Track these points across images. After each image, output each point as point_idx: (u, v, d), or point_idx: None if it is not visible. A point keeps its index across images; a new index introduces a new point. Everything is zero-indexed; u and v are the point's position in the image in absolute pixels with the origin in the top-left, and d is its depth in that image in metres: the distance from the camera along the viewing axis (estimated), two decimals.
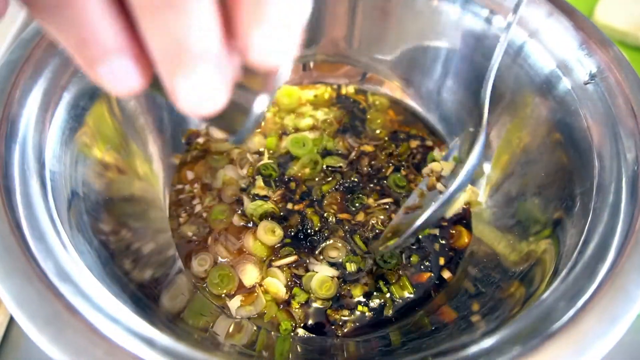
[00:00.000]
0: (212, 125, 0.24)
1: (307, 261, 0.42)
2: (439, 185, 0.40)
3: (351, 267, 0.42)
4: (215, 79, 0.15)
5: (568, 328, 0.24)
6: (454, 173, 0.39)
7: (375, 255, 0.42)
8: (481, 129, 0.37)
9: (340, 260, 0.42)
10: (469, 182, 0.38)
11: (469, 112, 0.46)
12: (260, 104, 0.19)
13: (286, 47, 0.15)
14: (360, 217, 0.45)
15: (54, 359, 0.38)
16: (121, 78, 0.15)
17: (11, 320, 0.42)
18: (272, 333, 0.39)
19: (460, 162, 0.39)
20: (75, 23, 0.14)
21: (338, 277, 0.41)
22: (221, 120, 0.21)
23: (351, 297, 0.41)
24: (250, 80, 0.19)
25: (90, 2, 0.14)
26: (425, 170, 0.42)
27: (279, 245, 0.43)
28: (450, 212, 0.40)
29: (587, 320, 0.24)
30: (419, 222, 0.37)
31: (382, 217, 0.45)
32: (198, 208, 0.45)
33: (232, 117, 0.20)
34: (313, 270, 0.42)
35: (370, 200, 0.46)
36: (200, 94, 0.15)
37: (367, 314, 0.40)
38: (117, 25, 0.15)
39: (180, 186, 0.47)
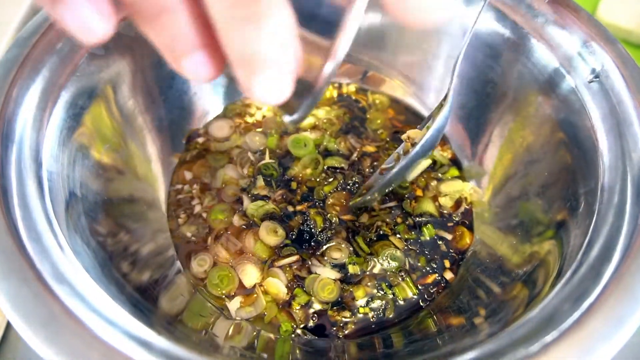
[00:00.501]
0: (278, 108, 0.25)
1: (310, 263, 0.42)
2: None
3: (354, 269, 0.42)
4: (285, 79, 0.18)
5: (573, 331, 0.23)
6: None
7: (351, 208, 0.45)
8: (447, 99, 0.38)
9: (343, 261, 0.42)
10: (431, 149, 0.40)
11: (470, 111, 0.46)
12: (322, 80, 0.20)
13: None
14: (364, 218, 0.44)
15: None
16: (200, 69, 0.19)
17: (9, 323, 0.42)
18: (273, 336, 0.38)
19: None
20: (168, 27, 0.18)
21: (341, 280, 0.41)
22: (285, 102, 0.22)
23: (353, 298, 0.40)
24: (311, 58, 0.20)
25: (181, 12, 0.17)
26: (403, 137, 0.43)
27: (280, 245, 0.43)
28: (411, 177, 0.42)
29: (592, 323, 0.23)
30: (383, 181, 0.41)
31: (387, 220, 0.44)
32: (197, 208, 0.45)
33: (292, 98, 0.21)
34: (315, 273, 0.41)
35: (374, 203, 0.45)
36: (271, 90, 0.18)
37: (368, 315, 0.40)
38: (200, 28, 0.18)
39: (179, 186, 0.46)
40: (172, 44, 0.18)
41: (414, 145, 0.41)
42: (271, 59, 0.17)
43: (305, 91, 0.21)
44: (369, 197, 0.42)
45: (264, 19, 0.16)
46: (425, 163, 0.42)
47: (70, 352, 0.22)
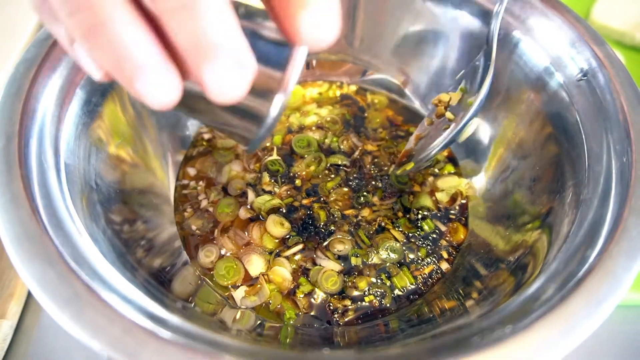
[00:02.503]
0: (229, 136, 0.26)
1: (315, 255, 0.43)
2: (448, 114, 0.42)
3: (356, 261, 0.43)
4: (235, 67, 0.17)
5: (557, 309, 0.25)
6: (461, 102, 0.42)
7: (392, 179, 0.48)
8: (491, 62, 0.40)
9: (346, 253, 0.44)
10: (480, 110, 0.40)
11: None
12: (275, 107, 0.21)
13: (331, 25, 0.18)
14: (365, 212, 0.46)
15: (67, 345, 0.39)
16: (156, 91, 0.18)
17: (24, 310, 0.44)
18: (277, 324, 0.40)
19: (466, 92, 0.43)
20: (109, 45, 0.17)
21: (344, 273, 0.43)
22: (236, 129, 0.23)
23: (356, 288, 0.42)
24: (264, 82, 0.21)
25: (120, 23, 0.17)
26: (433, 101, 0.45)
27: (286, 237, 0.44)
28: (464, 137, 0.42)
29: (575, 302, 0.25)
30: (437, 147, 0.41)
31: (388, 214, 0.46)
32: (204, 203, 0.47)
33: (247, 125, 0.22)
34: (320, 265, 0.43)
35: (375, 199, 0.47)
36: (223, 80, 0.17)
37: (368, 303, 0.42)
38: (146, 41, 0.17)
39: (185, 181, 0.48)
40: (118, 65, 0.17)
41: (446, 108, 0.43)
42: (217, 43, 0.17)
43: (259, 122, 0.22)
44: (417, 165, 0.42)
45: (198, 4, 0.16)
46: (476, 123, 0.43)
47: (93, 327, 0.23)
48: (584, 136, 0.34)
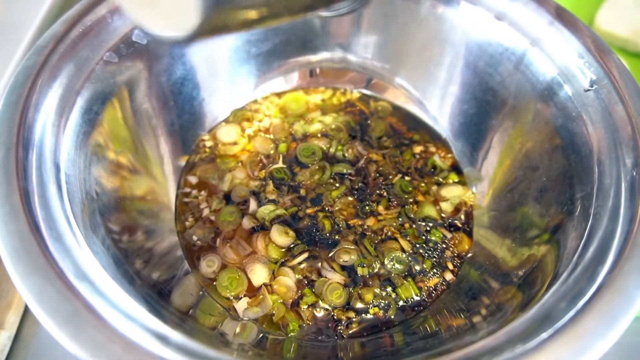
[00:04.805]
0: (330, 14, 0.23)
1: (320, 265, 0.43)
2: None
3: (363, 271, 0.43)
4: None
5: (568, 328, 0.24)
6: None
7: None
8: None
9: (352, 263, 0.43)
10: None
11: (471, 118, 0.47)
12: None
13: None
14: (370, 222, 0.46)
15: (66, 356, 0.38)
16: None
17: (22, 320, 0.43)
18: (280, 337, 0.39)
19: None
20: None
21: (348, 285, 0.42)
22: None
23: (362, 299, 0.41)
24: None
25: None
26: None
27: (291, 246, 0.44)
28: None
29: (587, 321, 0.25)
30: None
31: (394, 224, 0.46)
32: (206, 212, 0.46)
33: None
34: (325, 277, 0.42)
35: (380, 208, 0.47)
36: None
37: (373, 315, 0.41)
38: None
39: (187, 190, 0.48)
40: None
41: None
42: None
43: None
44: None
45: None
46: None
47: (93, 346, 0.23)
48: (592, 148, 0.34)
